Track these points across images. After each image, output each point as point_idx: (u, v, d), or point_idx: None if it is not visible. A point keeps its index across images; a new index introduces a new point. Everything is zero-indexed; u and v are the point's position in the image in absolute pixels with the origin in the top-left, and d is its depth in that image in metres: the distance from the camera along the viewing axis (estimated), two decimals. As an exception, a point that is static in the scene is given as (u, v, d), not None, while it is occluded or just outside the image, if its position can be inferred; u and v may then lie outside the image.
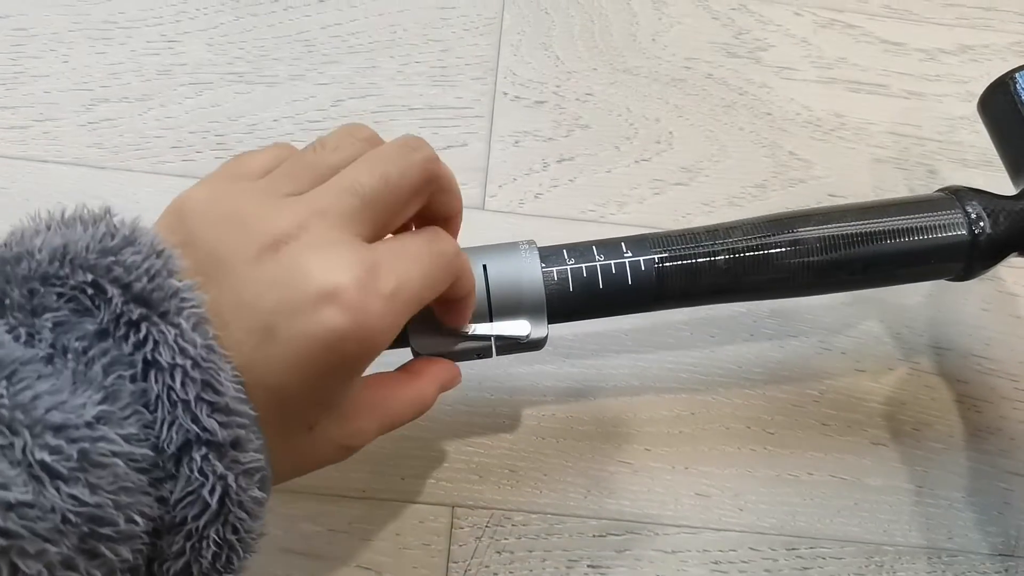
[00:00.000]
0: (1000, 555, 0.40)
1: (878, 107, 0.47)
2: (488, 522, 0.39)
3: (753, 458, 0.41)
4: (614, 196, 0.44)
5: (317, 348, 0.22)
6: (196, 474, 0.21)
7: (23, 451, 0.18)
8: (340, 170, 0.26)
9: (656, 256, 0.33)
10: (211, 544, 0.22)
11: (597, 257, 0.33)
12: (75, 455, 0.19)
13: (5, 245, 0.22)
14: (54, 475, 0.18)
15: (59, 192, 0.41)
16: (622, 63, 0.46)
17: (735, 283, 0.33)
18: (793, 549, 0.40)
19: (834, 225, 0.33)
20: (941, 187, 0.36)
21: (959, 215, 0.34)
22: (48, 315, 0.21)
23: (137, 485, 0.20)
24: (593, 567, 0.39)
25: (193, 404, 0.21)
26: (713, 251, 0.33)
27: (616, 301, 0.33)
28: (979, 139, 0.46)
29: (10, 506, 0.18)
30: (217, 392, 0.21)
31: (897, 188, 0.45)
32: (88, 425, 0.19)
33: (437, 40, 0.45)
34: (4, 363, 0.19)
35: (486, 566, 0.38)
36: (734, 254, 0.33)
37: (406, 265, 0.25)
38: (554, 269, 0.32)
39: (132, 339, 0.21)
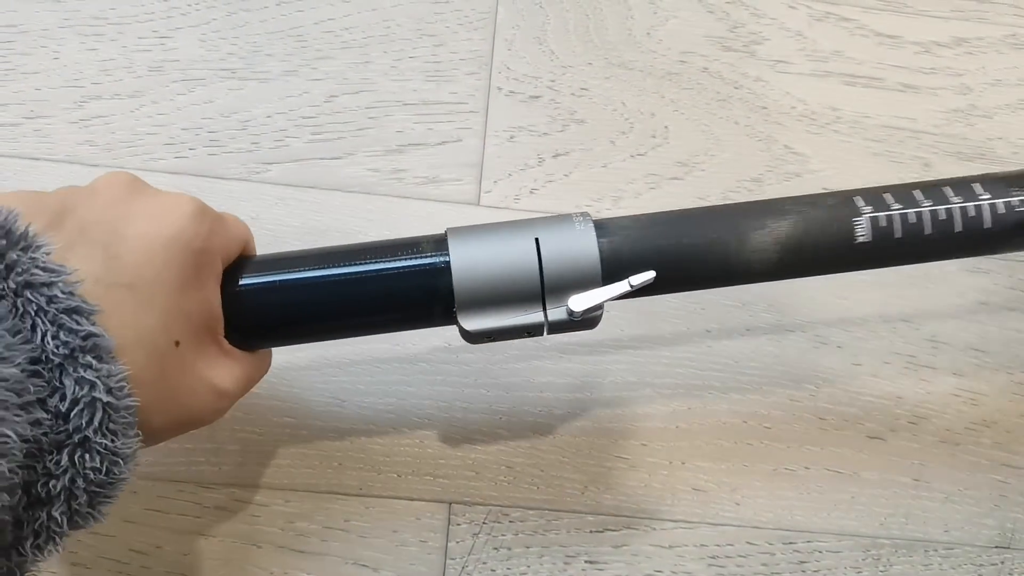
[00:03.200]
0: (996, 547, 0.41)
1: (873, 100, 0.47)
2: (485, 518, 0.39)
3: (750, 453, 0.41)
4: (609, 191, 0.44)
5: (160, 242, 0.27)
6: (87, 376, 0.23)
7: None
8: None
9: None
10: (96, 453, 0.24)
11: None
12: None
13: None
14: None
15: (51, 190, 0.41)
16: (617, 57, 0.46)
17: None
18: (790, 543, 0.40)
19: None
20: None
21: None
22: None
23: (7, 402, 0.22)
24: (591, 563, 0.39)
25: (74, 313, 0.23)
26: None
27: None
28: (974, 132, 0.46)
29: None
30: (87, 303, 0.24)
31: (894, 182, 0.45)
32: None
33: (431, 35, 0.45)
34: None
35: (483, 562, 0.38)
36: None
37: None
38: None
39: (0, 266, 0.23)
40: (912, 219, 0.32)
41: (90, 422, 0.23)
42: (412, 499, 0.39)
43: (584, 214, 0.32)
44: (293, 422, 0.39)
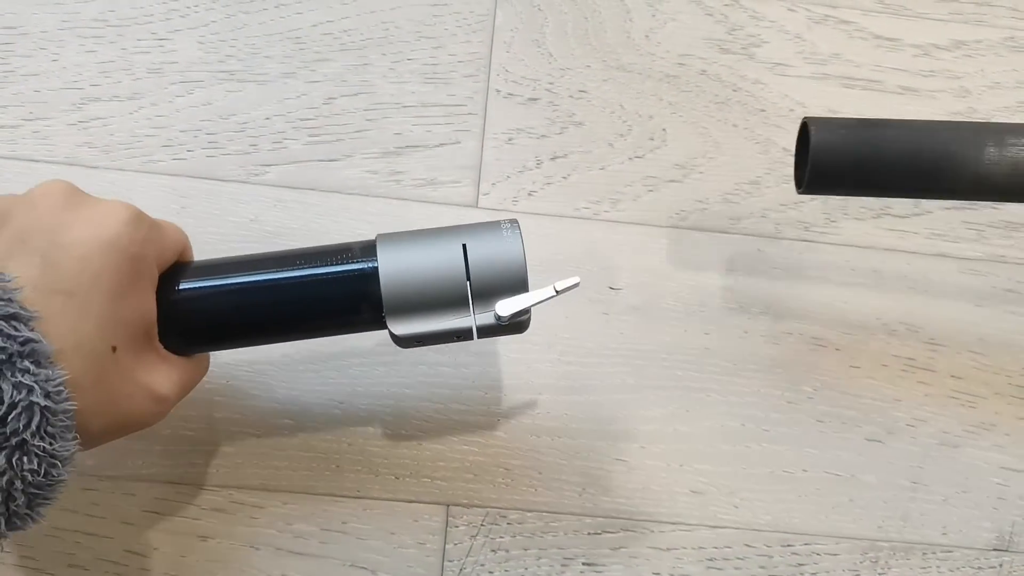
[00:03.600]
0: (995, 550, 0.41)
1: (872, 103, 0.47)
2: (483, 520, 0.39)
3: (748, 455, 0.41)
4: (608, 193, 0.44)
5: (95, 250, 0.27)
6: (24, 380, 0.23)
7: None
8: None
9: None
10: (34, 455, 0.24)
11: None
12: None
13: None
14: None
15: None
16: (615, 60, 0.46)
17: None
18: (788, 546, 0.40)
19: None
20: None
21: None
22: None
23: None
24: (588, 565, 0.39)
25: (12, 319, 0.24)
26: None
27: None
28: (973, 135, 0.46)
29: None
30: (26, 309, 0.24)
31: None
32: None
33: (430, 37, 0.45)
34: None
35: (481, 564, 0.38)
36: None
37: None
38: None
39: None
40: None
41: (28, 425, 0.24)
42: (410, 501, 0.39)
43: (512, 221, 0.32)
44: (291, 424, 0.39)
